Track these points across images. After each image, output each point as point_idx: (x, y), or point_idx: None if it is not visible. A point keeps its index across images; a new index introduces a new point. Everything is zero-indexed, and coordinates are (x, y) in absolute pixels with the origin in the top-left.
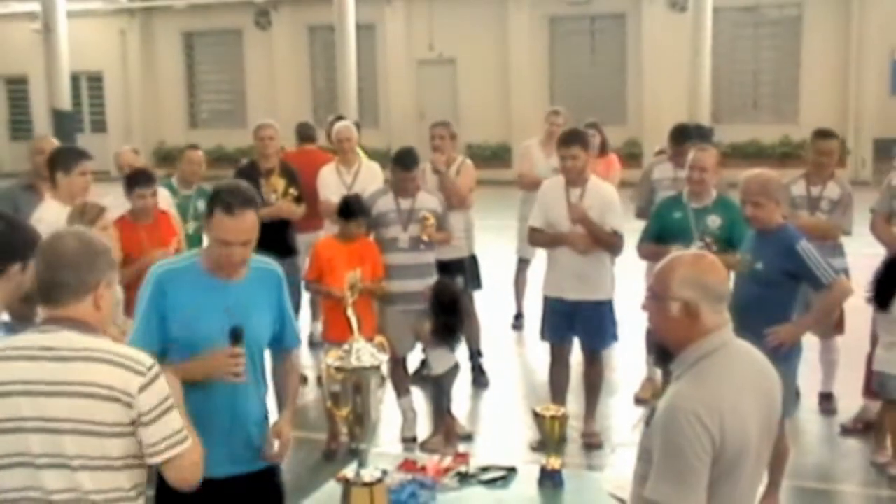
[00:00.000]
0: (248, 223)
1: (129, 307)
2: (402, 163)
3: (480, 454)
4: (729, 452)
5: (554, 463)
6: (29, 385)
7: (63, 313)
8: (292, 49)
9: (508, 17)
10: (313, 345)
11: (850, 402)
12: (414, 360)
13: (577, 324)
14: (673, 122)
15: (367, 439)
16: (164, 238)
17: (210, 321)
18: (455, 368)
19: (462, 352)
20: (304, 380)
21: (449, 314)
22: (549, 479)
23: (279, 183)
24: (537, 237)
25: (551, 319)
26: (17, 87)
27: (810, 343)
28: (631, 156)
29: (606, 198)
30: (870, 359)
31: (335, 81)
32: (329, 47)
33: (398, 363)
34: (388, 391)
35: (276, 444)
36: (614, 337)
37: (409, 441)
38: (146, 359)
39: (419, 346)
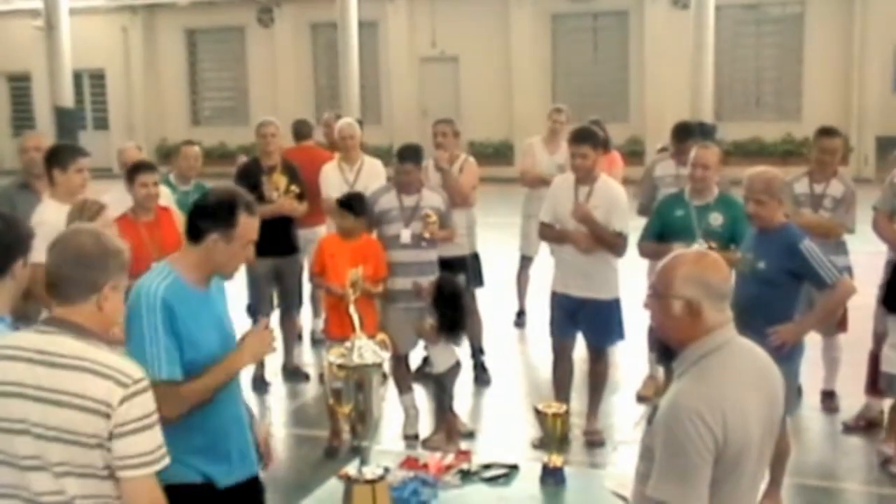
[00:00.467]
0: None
1: None
2: (399, 154)
3: (482, 452)
4: (731, 451)
5: (556, 460)
6: (22, 388)
7: (65, 314)
8: (295, 46)
9: (511, 15)
10: (315, 342)
11: (853, 399)
12: (416, 357)
13: (581, 321)
14: (675, 120)
15: (369, 436)
16: (166, 236)
17: (210, 336)
18: (457, 366)
19: (464, 349)
20: (305, 377)
21: (451, 309)
22: (551, 477)
23: (281, 180)
24: (546, 232)
25: (557, 316)
26: (20, 85)
27: (813, 341)
28: (633, 153)
29: (614, 198)
30: (872, 356)
31: (337, 79)
32: (331, 45)
33: (400, 360)
34: (390, 388)
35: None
36: (620, 335)
37: (411, 438)
38: (135, 371)
39: (421, 344)
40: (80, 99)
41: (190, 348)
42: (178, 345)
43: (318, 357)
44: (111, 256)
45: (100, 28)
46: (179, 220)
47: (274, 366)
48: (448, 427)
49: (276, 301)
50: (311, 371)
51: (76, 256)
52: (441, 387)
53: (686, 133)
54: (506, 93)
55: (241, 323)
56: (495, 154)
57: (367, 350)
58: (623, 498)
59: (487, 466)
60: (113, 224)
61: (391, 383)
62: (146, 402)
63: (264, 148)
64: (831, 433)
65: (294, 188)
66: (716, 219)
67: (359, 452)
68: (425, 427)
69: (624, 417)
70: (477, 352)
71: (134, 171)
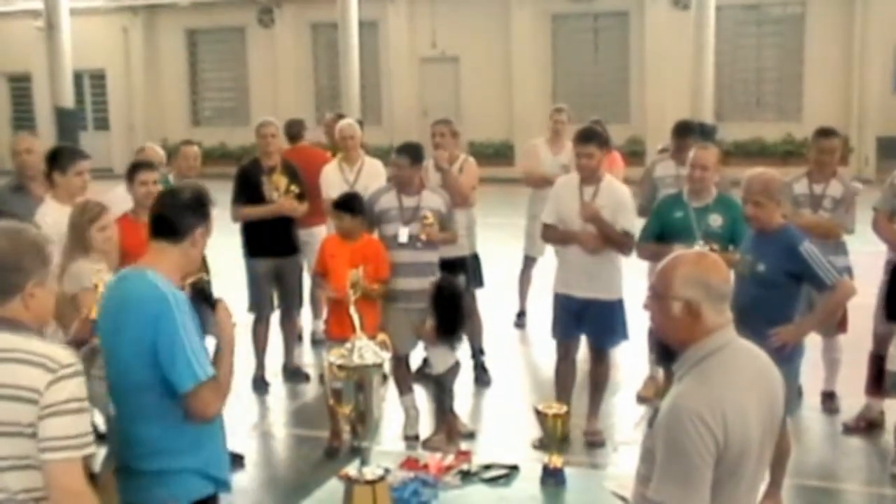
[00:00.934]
0: None
1: None
2: (398, 150)
3: (482, 452)
4: (732, 452)
5: (556, 461)
6: None
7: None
8: (295, 47)
9: (511, 15)
10: (315, 342)
11: (853, 400)
12: (416, 358)
13: (585, 322)
14: (675, 121)
15: (370, 437)
16: None
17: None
18: (457, 367)
19: (464, 350)
20: (305, 377)
21: (450, 311)
22: (552, 478)
23: (281, 181)
24: (549, 234)
25: (560, 316)
26: (21, 85)
27: (813, 341)
28: (633, 153)
29: (620, 198)
30: (872, 357)
31: (338, 79)
32: (332, 45)
33: (400, 361)
34: (391, 389)
35: None
36: (624, 336)
37: (411, 439)
38: (65, 357)
39: (421, 345)
40: (80, 99)
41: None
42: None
43: (319, 357)
44: (27, 256)
45: (100, 28)
46: None
47: (274, 366)
48: (448, 428)
49: (276, 301)
50: (312, 371)
51: None
52: (441, 387)
53: (686, 130)
54: (506, 93)
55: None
56: (495, 154)
57: (368, 350)
58: (623, 499)
59: (488, 467)
60: (114, 225)
61: (391, 384)
62: (74, 388)
63: (264, 148)
64: (831, 434)
65: (294, 188)
66: (715, 220)
67: (359, 453)
68: (425, 428)
69: (624, 418)
70: (477, 352)
71: (134, 170)
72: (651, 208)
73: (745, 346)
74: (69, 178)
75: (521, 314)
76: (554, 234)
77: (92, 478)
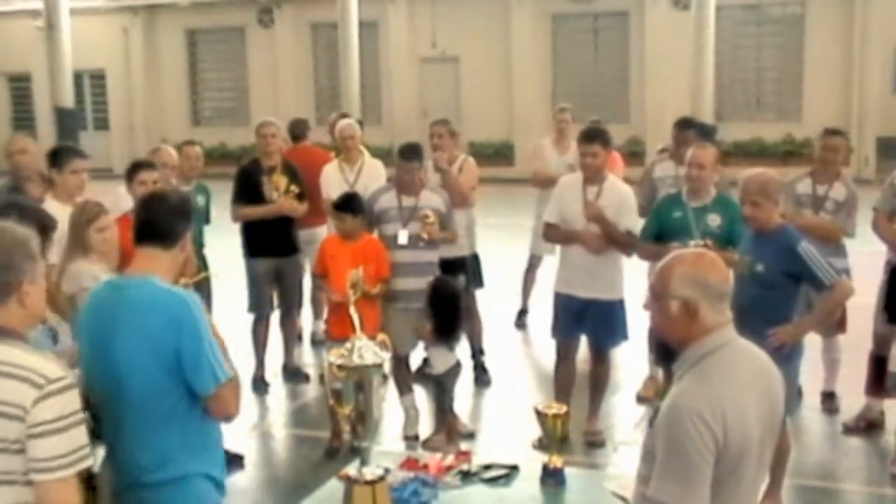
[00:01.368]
0: None
1: None
2: (400, 153)
3: (482, 452)
4: (732, 451)
5: (556, 461)
6: None
7: None
8: (295, 47)
9: (511, 15)
10: (315, 343)
11: (853, 400)
12: (416, 358)
13: (586, 321)
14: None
15: (370, 437)
16: None
17: None
18: (457, 367)
19: (464, 350)
20: (305, 377)
21: (448, 312)
22: (552, 478)
23: (281, 181)
24: (552, 233)
25: (560, 316)
26: (20, 85)
27: (812, 341)
28: (633, 154)
29: (623, 198)
30: (872, 357)
31: (338, 79)
32: (332, 45)
33: (400, 361)
34: (391, 389)
35: None
36: (624, 336)
37: (411, 439)
38: (52, 371)
39: (422, 345)
40: (80, 99)
41: None
42: None
43: (319, 358)
44: (17, 254)
45: (100, 28)
46: None
47: (274, 366)
48: (448, 428)
49: (276, 301)
50: (312, 372)
51: None
52: (441, 387)
53: (687, 124)
54: (506, 93)
55: (241, 323)
56: (495, 154)
57: (368, 351)
58: (623, 499)
59: (488, 467)
60: (113, 226)
61: (391, 384)
62: (63, 404)
63: (264, 148)
64: (831, 434)
65: (294, 188)
66: (713, 220)
67: (359, 453)
68: (425, 428)
69: (624, 418)
70: (477, 352)
71: (134, 170)
72: (650, 208)
73: (745, 345)
74: (65, 176)
75: (523, 313)
76: (556, 234)
77: (91, 478)
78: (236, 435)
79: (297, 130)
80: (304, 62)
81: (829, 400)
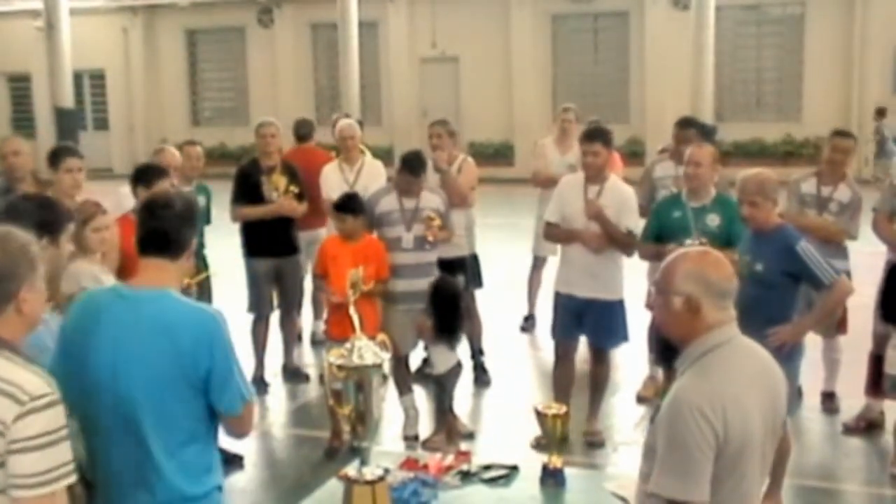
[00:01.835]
0: None
1: None
2: (410, 167)
3: (482, 452)
4: (732, 447)
5: (556, 461)
6: None
7: None
8: (295, 47)
9: (511, 15)
10: (315, 343)
11: (853, 401)
12: (416, 358)
13: (586, 321)
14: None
15: (369, 437)
16: None
17: None
18: (457, 367)
19: (464, 350)
20: (305, 378)
21: (448, 312)
22: (551, 478)
23: (280, 181)
24: (552, 232)
25: (560, 316)
26: (20, 85)
27: (813, 342)
28: (633, 154)
29: (624, 197)
30: (872, 357)
31: (338, 79)
32: (332, 45)
33: (400, 361)
34: (391, 389)
35: None
36: (625, 336)
37: (411, 439)
38: (36, 388)
39: (422, 345)
40: (80, 99)
41: None
42: None
43: (319, 358)
44: (18, 260)
45: (100, 28)
46: None
47: (274, 367)
48: (448, 428)
49: (276, 301)
50: (312, 372)
51: None
52: (441, 388)
53: (687, 124)
54: (506, 93)
55: (241, 323)
56: (495, 154)
57: (367, 351)
58: (623, 499)
59: (487, 467)
60: (113, 227)
61: (391, 384)
62: (46, 421)
63: (264, 149)
64: (831, 434)
65: (293, 188)
66: (713, 220)
67: (359, 453)
68: (425, 428)
69: (624, 418)
70: (477, 353)
71: (148, 177)
72: (650, 208)
73: (748, 343)
74: (59, 175)
75: (529, 318)
76: (557, 233)
77: (87, 485)
78: None
79: (302, 131)
80: (303, 62)
81: (829, 400)
